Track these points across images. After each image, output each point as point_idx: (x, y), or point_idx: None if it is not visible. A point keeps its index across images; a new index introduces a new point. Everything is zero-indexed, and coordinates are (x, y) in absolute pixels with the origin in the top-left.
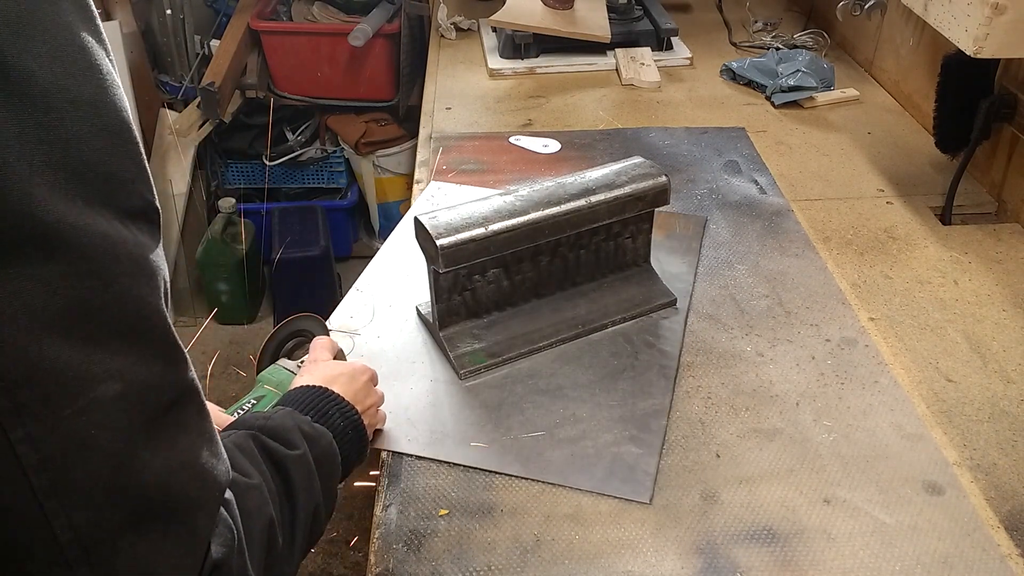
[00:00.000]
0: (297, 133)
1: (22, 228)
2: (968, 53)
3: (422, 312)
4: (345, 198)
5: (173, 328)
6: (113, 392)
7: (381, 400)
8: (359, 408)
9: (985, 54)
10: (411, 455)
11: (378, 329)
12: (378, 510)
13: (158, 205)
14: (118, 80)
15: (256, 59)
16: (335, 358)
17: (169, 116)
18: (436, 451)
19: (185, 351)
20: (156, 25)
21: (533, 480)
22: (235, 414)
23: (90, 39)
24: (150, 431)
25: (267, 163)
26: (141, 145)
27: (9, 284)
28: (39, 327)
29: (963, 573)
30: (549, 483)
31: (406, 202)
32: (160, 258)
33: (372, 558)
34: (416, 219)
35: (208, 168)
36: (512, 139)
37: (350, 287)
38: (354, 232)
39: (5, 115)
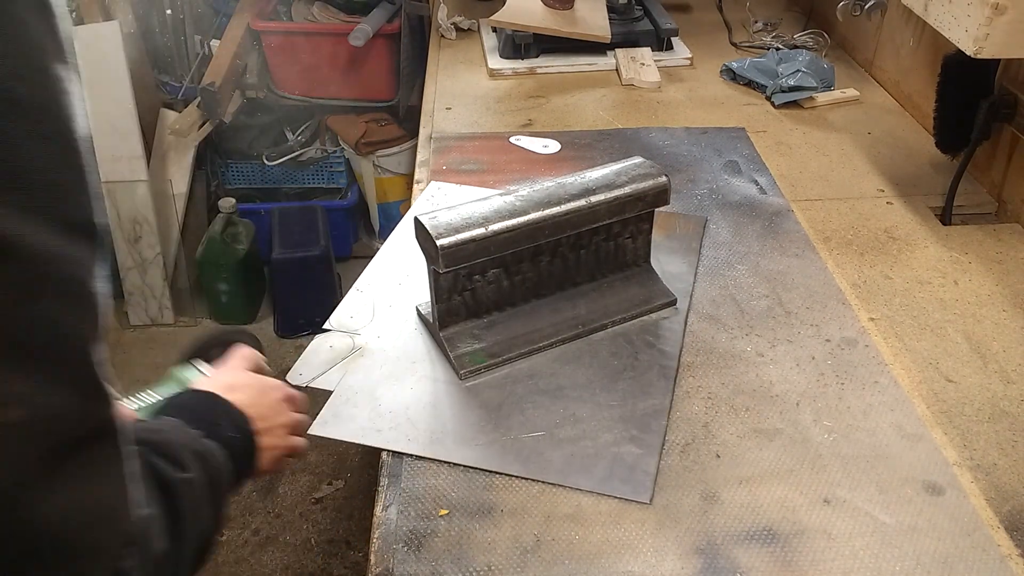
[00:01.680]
0: (297, 133)
1: None
2: (968, 53)
3: (422, 312)
4: (345, 198)
5: (97, 361)
6: (16, 417)
7: (296, 425)
8: (261, 424)
9: (985, 54)
10: (411, 455)
11: (378, 329)
12: (378, 510)
13: (103, 225)
14: (78, 92)
15: (256, 59)
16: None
17: (169, 116)
18: (436, 451)
19: (107, 389)
20: (156, 25)
21: (533, 480)
22: (136, 405)
23: (48, 42)
24: (53, 466)
25: (267, 163)
26: (94, 165)
27: None
28: None
29: (963, 573)
30: (549, 483)
31: (406, 202)
32: (100, 283)
33: (372, 558)
34: (416, 219)
35: (208, 168)
36: (512, 139)
37: (350, 287)
38: (354, 232)
39: None
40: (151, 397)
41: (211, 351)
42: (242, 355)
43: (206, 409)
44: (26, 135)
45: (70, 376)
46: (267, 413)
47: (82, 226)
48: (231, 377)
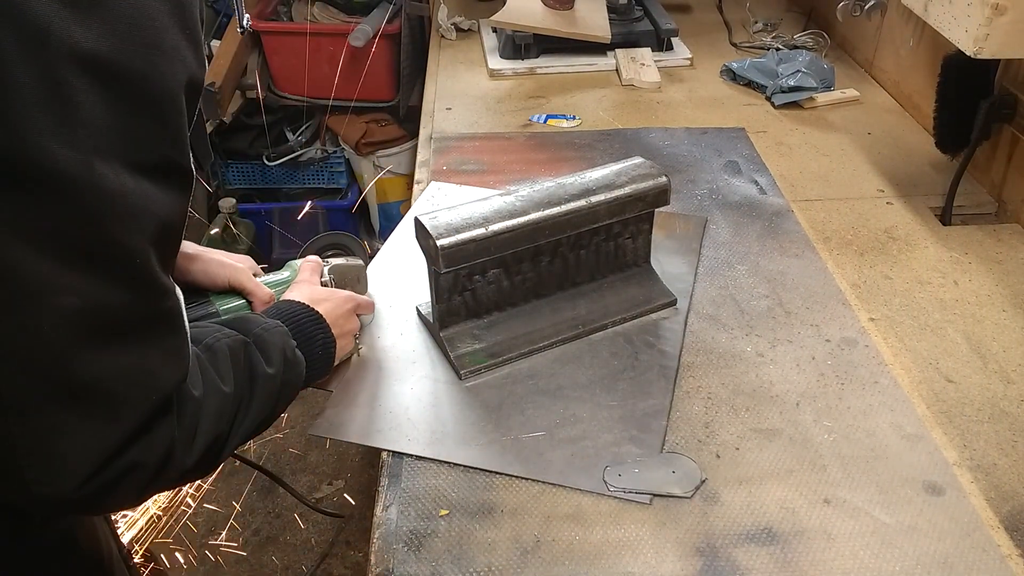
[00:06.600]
0: (297, 133)
1: (25, 169)
2: (968, 54)
3: (422, 312)
4: (345, 198)
5: (160, 270)
6: (69, 304)
7: (358, 327)
8: (337, 331)
9: (985, 55)
10: (411, 455)
11: (378, 329)
12: (378, 510)
13: (186, 165)
14: (188, 52)
15: (256, 59)
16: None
17: None
18: (436, 451)
19: (169, 286)
20: None
21: (533, 480)
22: (266, 281)
23: (166, 18)
24: (99, 341)
25: (267, 163)
26: (184, 115)
27: (5, 207)
28: (20, 240)
29: (963, 573)
30: (549, 483)
31: (406, 202)
32: (174, 210)
33: (372, 558)
34: (416, 219)
35: (208, 168)
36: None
37: None
38: (354, 232)
39: (24, 71)
40: (275, 277)
41: (328, 253)
42: (310, 268)
43: (309, 324)
44: (111, 97)
45: (125, 278)
46: (342, 323)
47: (156, 164)
48: (312, 292)
